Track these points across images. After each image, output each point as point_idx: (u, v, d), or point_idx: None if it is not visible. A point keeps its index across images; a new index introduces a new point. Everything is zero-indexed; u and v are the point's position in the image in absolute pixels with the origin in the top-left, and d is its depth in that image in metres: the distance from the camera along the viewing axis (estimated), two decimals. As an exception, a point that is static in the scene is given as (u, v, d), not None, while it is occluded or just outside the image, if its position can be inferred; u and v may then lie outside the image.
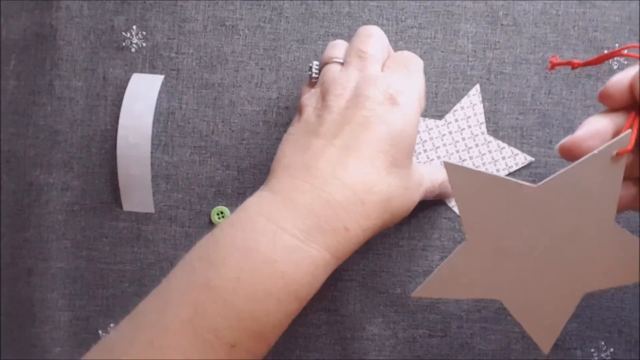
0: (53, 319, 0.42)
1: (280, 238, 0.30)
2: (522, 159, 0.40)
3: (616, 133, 0.30)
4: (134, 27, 0.43)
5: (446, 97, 0.42)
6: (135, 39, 0.43)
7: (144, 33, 0.43)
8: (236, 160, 0.42)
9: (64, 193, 0.43)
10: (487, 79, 0.42)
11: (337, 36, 0.42)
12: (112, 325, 0.42)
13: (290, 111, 0.42)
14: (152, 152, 0.42)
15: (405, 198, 0.34)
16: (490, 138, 0.40)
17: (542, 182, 0.30)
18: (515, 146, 0.42)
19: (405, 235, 0.42)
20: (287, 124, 0.42)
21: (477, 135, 0.40)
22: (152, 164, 0.42)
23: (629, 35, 0.42)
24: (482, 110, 0.39)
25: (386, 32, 0.42)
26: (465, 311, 0.42)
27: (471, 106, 0.39)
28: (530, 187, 0.31)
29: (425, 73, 0.42)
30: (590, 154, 0.29)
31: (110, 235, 0.42)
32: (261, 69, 0.42)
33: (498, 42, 0.42)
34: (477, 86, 0.38)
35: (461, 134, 0.40)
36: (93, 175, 0.43)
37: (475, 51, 0.42)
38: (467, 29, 0.42)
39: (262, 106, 0.42)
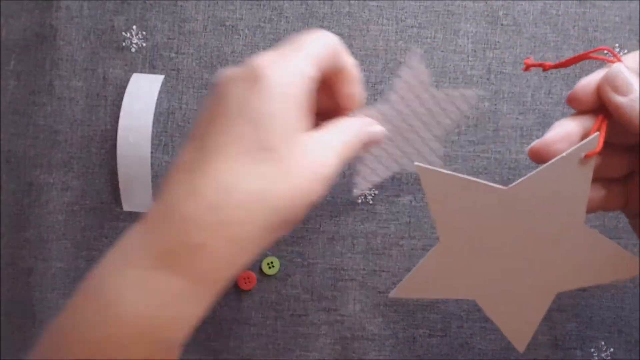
0: (53, 319, 0.42)
1: (127, 271, 0.26)
2: (473, 95, 0.38)
3: (584, 135, 0.30)
4: (134, 27, 0.43)
5: (446, 97, 0.42)
6: (135, 39, 0.43)
7: (144, 33, 0.43)
8: (236, 160, 0.42)
9: (64, 193, 0.43)
10: (487, 79, 0.42)
11: (337, 36, 0.42)
12: (112, 325, 0.42)
13: (290, 111, 0.42)
14: (152, 152, 0.42)
15: (292, 186, 0.27)
16: (435, 91, 0.38)
17: (513, 184, 0.31)
18: (515, 146, 0.42)
19: (405, 235, 0.42)
20: (287, 124, 0.42)
21: (424, 96, 0.38)
22: (152, 164, 0.42)
23: (629, 35, 0.42)
24: (426, 71, 0.37)
25: (386, 31, 0.42)
26: (465, 311, 0.42)
27: (412, 73, 0.37)
28: (501, 189, 0.31)
29: (425, 73, 0.42)
30: (559, 157, 0.30)
31: (110, 235, 0.42)
32: (261, 69, 0.42)
33: (498, 42, 0.42)
34: (416, 50, 0.37)
35: (407, 104, 0.38)
36: (93, 175, 0.43)
37: (475, 51, 0.42)
38: (467, 28, 0.42)
39: (262, 106, 0.42)
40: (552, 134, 0.30)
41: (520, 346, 0.34)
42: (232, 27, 0.43)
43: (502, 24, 0.42)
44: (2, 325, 0.42)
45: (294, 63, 0.28)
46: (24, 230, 0.42)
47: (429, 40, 0.42)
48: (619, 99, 0.28)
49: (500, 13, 0.42)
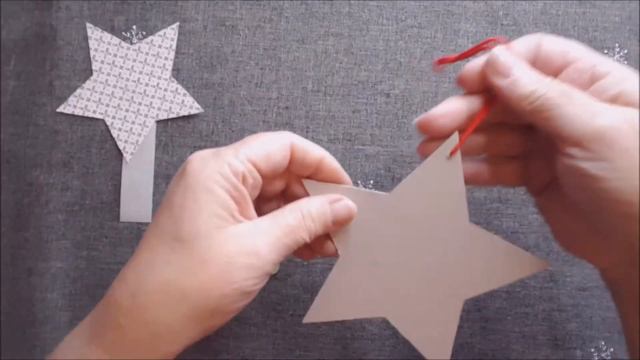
0: (53, 319, 0.42)
1: (72, 341, 0.30)
2: (188, 109, 0.42)
3: (470, 114, 0.31)
4: (134, 27, 0.43)
5: (446, 97, 0.42)
6: (135, 39, 0.43)
7: (144, 33, 0.43)
8: (236, 160, 0.42)
9: (64, 193, 0.43)
10: (487, 79, 0.42)
11: (337, 36, 0.43)
12: (112, 325, 0.42)
13: (290, 111, 0.42)
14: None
15: (204, 276, 0.28)
16: (165, 85, 0.42)
17: (394, 189, 0.32)
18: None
19: (405, 235, 0.42)
20: (287, 124, 0.42)
21: (160, 80, 0.42)
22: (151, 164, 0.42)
23: (629, 35, 0.42)
24: (173, 54, 0.42)
25: (386, 31, 0.42)
26: (465, 311, 0.42)
27: (165, 47, 0.41)
28: (384, 195, 0.32)
29: (425, 73, 0.42)
30: (428, 157, 0.31)
31: (110, 235, 0.42)
32: (261, 69, 0.43)
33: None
34: (176, 25, 0.42)
35: (148, 77, 0.42)
36: (93, 175, 0.43)
37: (475, 51, 0.42)
38: (467, 28, 0.42)
39: (262, 106, 0.42)
40: (438, 109, 0.31)
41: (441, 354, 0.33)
42: (232, 27, 0.43)
43: (502, 24, 0.42)
44: (2, 325, 0.42)
45: (222, 159, 0.29)
46: (24, 230, 0.42)
47: (429, 40, 0.42)
48: (499, 82, 0.29)
49: (500, 13, 0.42)
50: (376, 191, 0.33)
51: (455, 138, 0.31)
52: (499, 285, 0.33)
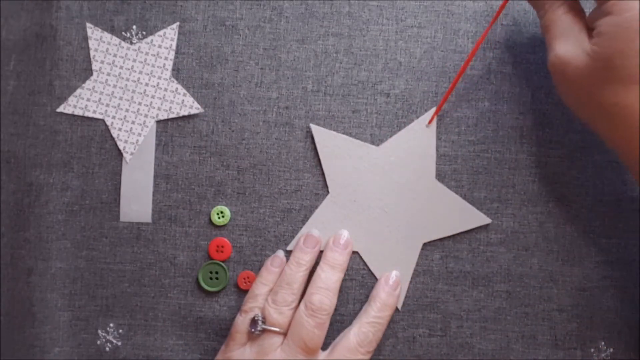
0: (52, 319, 0.42)
1: None
2: (188, 109, 0.42)
3: None
4: (134, 27, 0.43)
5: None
6: (135, 39, 0.43)
7: (144, 33, 0.43)
8: (236, 160, 0.42)
9: (64, 193, 0.43)
10: (487, 79, 0.42)
11: (337, 36, 0.43)
12: (111, 325, 0.42)
13: (290, 111, 0.42)
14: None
15: None
16: (165, 85, 0.42)
17: (381, 144, 0.41)
18: (515, 146, 0.42)
19: (405, 235, 0.42)
20: (287, 124, 0.42)
21: (160, 80, 0.42)
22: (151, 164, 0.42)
23: (628, 35, 0.42)
24: (173, 54, 0.42)
25: (386, 31, 0.42)
26: (465, 311, 0.42)
27: (165, 47, 0.42)
28: (373, 147, 0.41)
29: (425, 73, 0.42)
30: (412, 123, 0.41)
31: (110, 235, 0.42)
32: (261, 68, 0.43)
33: (498, 42, 0.42)
34: (176, 25, 0.42)
35: (148, 77, 0.42)
36: (93, 175, 0.43)
37: (475, 51, 0.42)
38: (467, 28, 0.42)
39: (262, 106, 0.42)
40: None
41: (397, 303, 0.41)
42: (232, 27, 0.43)
43: (502, 24, 0.42)
44: (2, 325, 0.42)
45: None
46: (24, 230, 0.42)
47: (429, 40, 0.42)
48: None
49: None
50: (367, 144, 0.41)
51: (431, 112, 0.41)
52: (452, 233, 0.41)
